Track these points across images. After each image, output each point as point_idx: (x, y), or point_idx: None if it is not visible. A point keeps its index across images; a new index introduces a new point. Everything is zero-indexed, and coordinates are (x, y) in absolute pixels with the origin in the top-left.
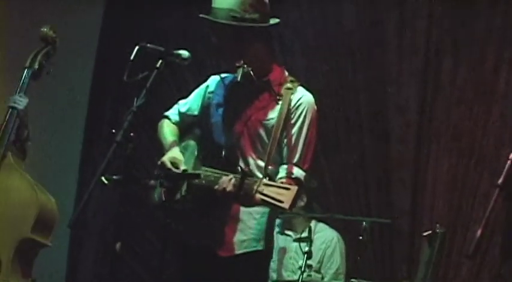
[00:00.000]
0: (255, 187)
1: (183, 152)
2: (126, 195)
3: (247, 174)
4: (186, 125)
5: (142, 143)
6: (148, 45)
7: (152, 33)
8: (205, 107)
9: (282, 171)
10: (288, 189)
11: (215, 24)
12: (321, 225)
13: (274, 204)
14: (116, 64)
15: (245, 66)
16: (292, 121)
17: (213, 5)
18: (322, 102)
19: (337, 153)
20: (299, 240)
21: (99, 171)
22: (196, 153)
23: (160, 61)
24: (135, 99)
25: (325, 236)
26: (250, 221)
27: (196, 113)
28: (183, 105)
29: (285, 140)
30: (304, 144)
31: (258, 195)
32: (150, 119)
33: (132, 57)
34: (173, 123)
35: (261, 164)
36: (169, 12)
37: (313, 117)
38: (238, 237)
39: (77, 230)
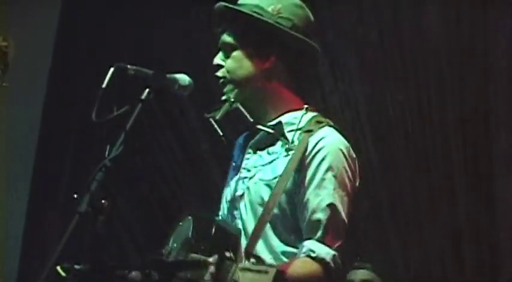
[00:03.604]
0: (229, 275)
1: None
2: None
3: (226, 259)
4: None
5: (120, 214)
6: (129, 66)
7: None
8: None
9: (300, 249)
10: (265, 272)
11: (225, 16)
12: None
13: None
14: (78, 94)
15: (232, 100)
16: (308, 176)
17: (238, 2)
18: (391, 149)
19: (418, 233)
20: None
21: (52, 257)
22: (190, 234)
23: (146, 90)
24: (108, 147)
25: None
26: None
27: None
28: None
29: (300, 204)
30: (329, 211)
31: None
32: (130, 179)
33: (104, 84)
34: None
35: (272, 242)
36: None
37: (342, 168)
38: None
39: None
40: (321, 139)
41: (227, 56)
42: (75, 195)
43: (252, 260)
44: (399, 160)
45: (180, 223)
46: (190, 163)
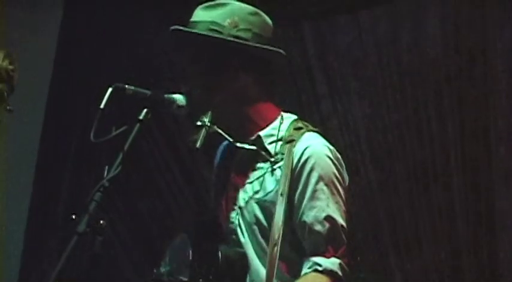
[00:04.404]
0: None
1: (173, 252)
2: None
3: None
4: None
5: (118, 235)
6: (127, 86)
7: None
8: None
9: (305, 265)
10: None
11: (185, 43)
12: None
13: None
14: (77, 114)
15: (208, 124)
16: (299, 190)
17: (191, 19)
18: (391, 169)
19: (417, 254)
20: None
21: (51, 278)
22: (190, 256)
23: (144, 110)
24: (107, 168)
25: None
26: None
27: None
28: None
29: (296, 219)
30: (327, 224)
31: None
32: (128, 199)
33: (102, 105)
34: None
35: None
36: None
37: (331, 175)
38: None
39: None
40: (305, 149)
41: (193, 83)
42: (74, 216)
43: None
44: (398, 180)
45: (176, 241)
46: (188, 182)
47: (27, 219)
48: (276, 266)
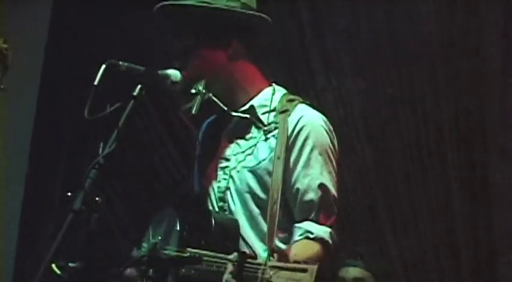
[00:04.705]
0: (259, 275)
1: (156, 226)
2: None
3: (246, 257)
4: None
5: (114, 211)
6: (121, 63)
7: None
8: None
9: (297, 232)
10: (304, 270)
11: (173, 17)
12: None
13: None
14: (71, 91)
15: (203, 91)
16: (293, 157)
17: None
18: (386, 145)
19: (413, 230)
20: None
21: (47, 255)
22: (178, 226)
23: (139, 86)
24: (101, 145)
25: None
26: None
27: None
28: None
29: (288, 185)
30: (320, 191)
31: None
32: (124, 175)
33: (96, 82)
34: None
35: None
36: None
37: (326, 144)
38: None
39: None
40: (300, 118)
41: (188, 60)
42: (69, 193)
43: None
44: (393, 156)
45: (159, 216)
46: (183, 157)
47: (23, 198)
48: (276, 224)
